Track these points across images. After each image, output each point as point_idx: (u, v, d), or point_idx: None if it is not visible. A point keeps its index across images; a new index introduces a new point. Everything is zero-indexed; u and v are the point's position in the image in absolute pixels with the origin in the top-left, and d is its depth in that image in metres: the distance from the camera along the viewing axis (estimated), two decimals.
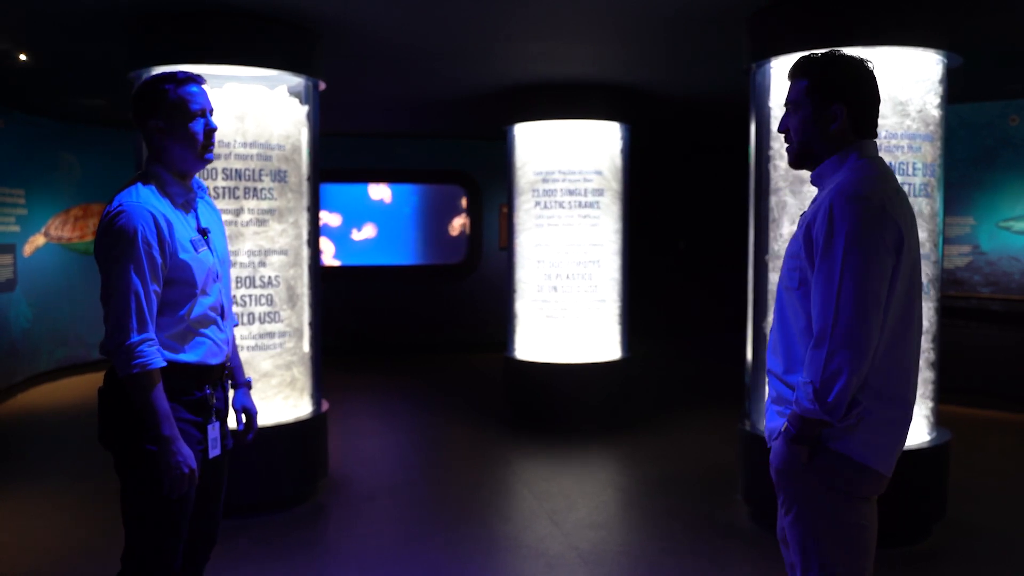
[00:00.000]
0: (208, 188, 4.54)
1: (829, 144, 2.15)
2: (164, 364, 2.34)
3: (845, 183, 2.06)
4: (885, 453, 2.08)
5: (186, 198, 2.50)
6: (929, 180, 4.32)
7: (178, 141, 2.43)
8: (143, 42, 4.70)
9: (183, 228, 2.44)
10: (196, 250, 2.45)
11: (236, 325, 2.85)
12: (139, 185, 2.42)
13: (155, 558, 2.41)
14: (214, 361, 2.51)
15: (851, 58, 2.16)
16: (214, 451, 2.51)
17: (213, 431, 2.50)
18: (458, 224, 11.26)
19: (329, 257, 10.85)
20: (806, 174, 3.96)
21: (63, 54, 5.86)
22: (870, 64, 2.17)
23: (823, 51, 2.21)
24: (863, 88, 2.13)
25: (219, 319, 2.53)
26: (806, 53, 2.26)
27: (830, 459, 2.08)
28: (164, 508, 2.38)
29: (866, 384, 2.06)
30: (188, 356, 2.44)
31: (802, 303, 2.12)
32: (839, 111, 2.12)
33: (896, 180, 2.15)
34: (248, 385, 2.73)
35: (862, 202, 2.00)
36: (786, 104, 2.22)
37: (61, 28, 5.10)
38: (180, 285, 2.41)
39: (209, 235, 2.54)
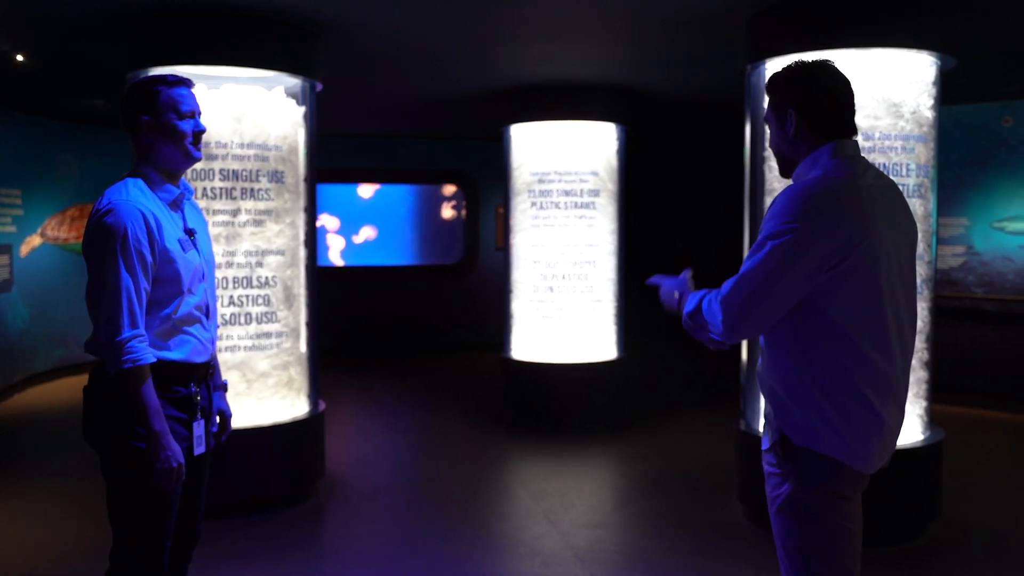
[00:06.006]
0: (205, 189, 4.62)
1: (794, 148, 2.22)
2: (154, 360, 2.37)
3: (804, 181, 2.12)
4: (862, 451, 2.09)
5: (175, 197, 2.52)
6: (923, 181, 4.35)
7: (167, 140, 2.46)
8: (141, 43, 4.71)
9: (171, 227, 2.46)
10: (184, 250, 2.47)
11: (218, 327, 2.85)
12: (128, 183, 2.44)
13: (143, 556, 2.42)
14: (199, 359, 2.53)
15: (802, 63, 2.22)
16: (199, 448, 2.53)
17: (198, 428, 2.52)
18: (448, 211, 11.25)
19: (336, 254, 10.88)
20: None
21: (62, 54, 5.87)
22: (831, 64, 2.21)
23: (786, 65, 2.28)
24: (811, 88, 2.18)
25: (204, 318, 2.56)
26: (800, 55, 2.30)
27: (806, 457, 2.09)
28: (151, 506, 2.40)
29: (847, 381, 2.07)
30: (174, 354, 2.46)
31: None
32: (791, 115, 2.18)
33: (874, 178, 2.16)
34: (224, 388, 2.75)
35: (807, 199, 2.04)
36: (764, 122, 2.31)
37: (59, 29, 5.11)
38: (167, 284, 2.43)
39: (196, 235, 2.56)
